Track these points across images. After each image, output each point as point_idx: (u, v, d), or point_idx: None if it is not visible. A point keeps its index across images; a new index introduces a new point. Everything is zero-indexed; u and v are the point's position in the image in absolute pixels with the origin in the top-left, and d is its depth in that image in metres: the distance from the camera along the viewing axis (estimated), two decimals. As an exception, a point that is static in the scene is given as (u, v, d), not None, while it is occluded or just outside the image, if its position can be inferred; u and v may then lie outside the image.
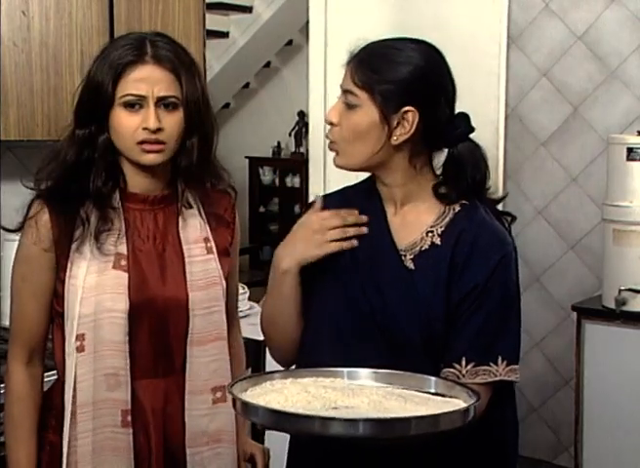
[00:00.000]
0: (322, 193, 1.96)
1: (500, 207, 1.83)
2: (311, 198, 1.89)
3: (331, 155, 1.78)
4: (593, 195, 3.97)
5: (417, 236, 1.73)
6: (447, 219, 1.73)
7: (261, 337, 1.92)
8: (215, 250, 1.97)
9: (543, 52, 4.09)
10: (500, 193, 1.86)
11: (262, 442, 2.36)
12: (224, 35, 7.27)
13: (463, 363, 1.66)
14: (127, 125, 1.84)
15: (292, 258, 1.74)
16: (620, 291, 3.42)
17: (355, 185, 1.86)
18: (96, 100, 1.86)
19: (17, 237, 1.94)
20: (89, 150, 1.88)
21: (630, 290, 3.41)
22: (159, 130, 1.84)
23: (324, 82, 4.12)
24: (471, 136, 1.76)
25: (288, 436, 1.76)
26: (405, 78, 1.68)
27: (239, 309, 2.21)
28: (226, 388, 1.61)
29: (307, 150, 6.02)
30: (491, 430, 1.71)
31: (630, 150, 3.41)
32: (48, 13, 2.83)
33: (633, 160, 3.41)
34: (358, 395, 1.52)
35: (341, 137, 1.72)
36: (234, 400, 1.51)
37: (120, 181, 1.92)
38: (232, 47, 7.35)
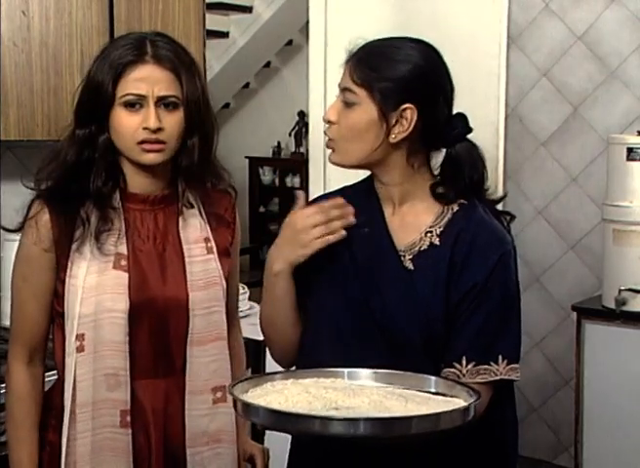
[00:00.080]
0: (322, 193, 1.96)
1: (499, 207, 1.83)
2: (311, 197, 1.87)
3: (331, 155, 1.78)
4: (593, 195, 3.97)
5: (415, 236, 1.73)
6: (445, 219, 1.73)
7: (262, 337, 1.91)
8: (215, 250, 1.97)
9: (543, 52, 4.09)
10: (500, 193, 1.86)
11: (262, 442, 2.36)
12: (224, 35, 7.28)
13: (464, 362, 1.66)
14: (127, 125, 1.84)
15: (282, 261, 1.73)
16: (620, 291, 3.42)
17: (354, 185, 1.86)
18: (96, 100, 1.86)
19: (17, 237, 1.94)
20: (89, 150, 1.88)
21: (630, 290, 3.41)
22: (159, 129, 1.84)
23: (324, 82, 4.11)
24: (471, 135, 1.76)
25: (288, 436, 1.76)
26: (404, 76, 1.68)
27: (239, 309, 2.21)
28: (227, 389, 1.61)
29: (307, 150, 6.02)
30: (491, 430, 1.72)
31: (630, 150, 3.41)
32: (48, 13, 2.83)
33: (633, 160, 3.41)
34: (359, 395, 1.52)
35: (340, 135, 1.72)
36: (235, 401, 1.51)
37: (120, 181, 1.92)
38: (232, 47, 7.35)
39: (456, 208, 1.74)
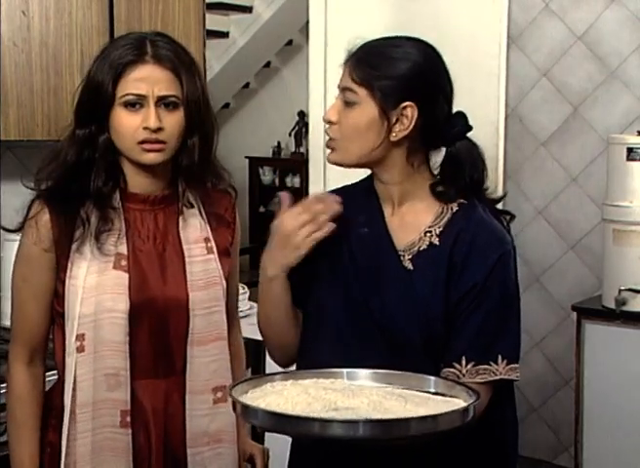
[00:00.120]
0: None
1: (499, 206, 1.83)
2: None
3: (331, 155, 1.78)
4: (593, 195, 3.97)
5: (415, 236, 1.73)
6: (445, 219, 1.73)
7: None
8: (215, 250, 1.97)
9: (543, 52, 4.09)
10: (500, 193, 1.86)
11: (262, 442, 2.36)
12: (224, 35, 7.27)
13: (463, 362, 1.66)
14: (127, 124, 1.84)
15: (275, 266, 1.73)
16: (619, 291, 3.42)
17: (355, 184, 1.86)
18: (96, 100, 1.86)
19: (17, 237, 1.94)
20: (89, 150, 1.88)
21: (630, 290, 3.41)
22: (159, 129, 1.84)
23: (324, 82, 4.11)
24: (471, 135, 1.76)
25: (288, 437, 1.76)
26: (404, 74, 1.68)
27: (239, 309, 2.21)
28: (227, 390, 1.61)
29: (307, 150, 6.02)
30: (491, 430, 1.71)
31: (630, 150, 3.41)
32: (48, 13, 2.83)
33: (633, 160, 3.41)
34: (358, 396, 1.52)
35: (341, 135, 1.72)
36: (234, 403, 1.51)
37: (120, 181, 1.92)
38: (232, 47, 7.35)
39: (455, 207, 1.74)
